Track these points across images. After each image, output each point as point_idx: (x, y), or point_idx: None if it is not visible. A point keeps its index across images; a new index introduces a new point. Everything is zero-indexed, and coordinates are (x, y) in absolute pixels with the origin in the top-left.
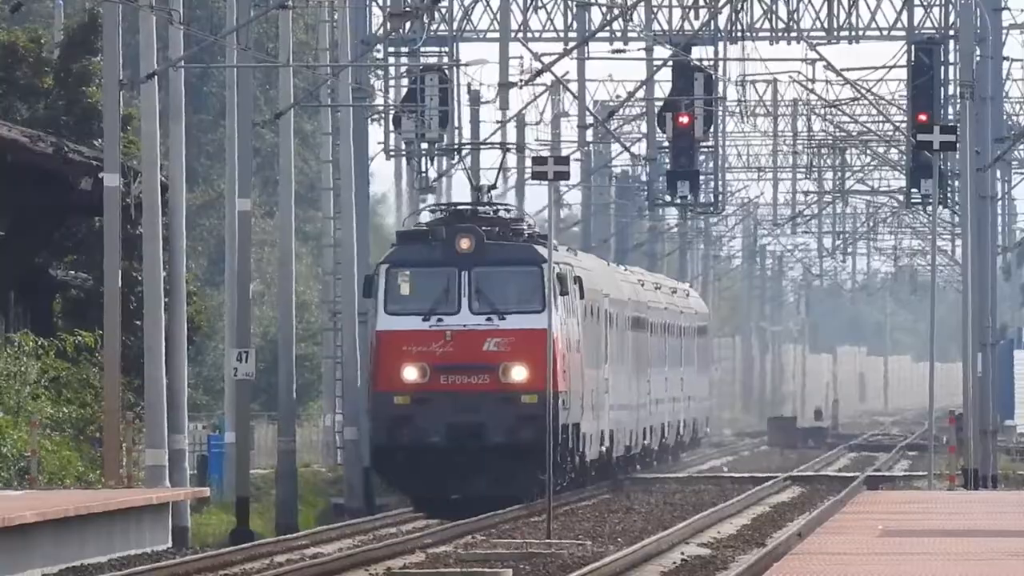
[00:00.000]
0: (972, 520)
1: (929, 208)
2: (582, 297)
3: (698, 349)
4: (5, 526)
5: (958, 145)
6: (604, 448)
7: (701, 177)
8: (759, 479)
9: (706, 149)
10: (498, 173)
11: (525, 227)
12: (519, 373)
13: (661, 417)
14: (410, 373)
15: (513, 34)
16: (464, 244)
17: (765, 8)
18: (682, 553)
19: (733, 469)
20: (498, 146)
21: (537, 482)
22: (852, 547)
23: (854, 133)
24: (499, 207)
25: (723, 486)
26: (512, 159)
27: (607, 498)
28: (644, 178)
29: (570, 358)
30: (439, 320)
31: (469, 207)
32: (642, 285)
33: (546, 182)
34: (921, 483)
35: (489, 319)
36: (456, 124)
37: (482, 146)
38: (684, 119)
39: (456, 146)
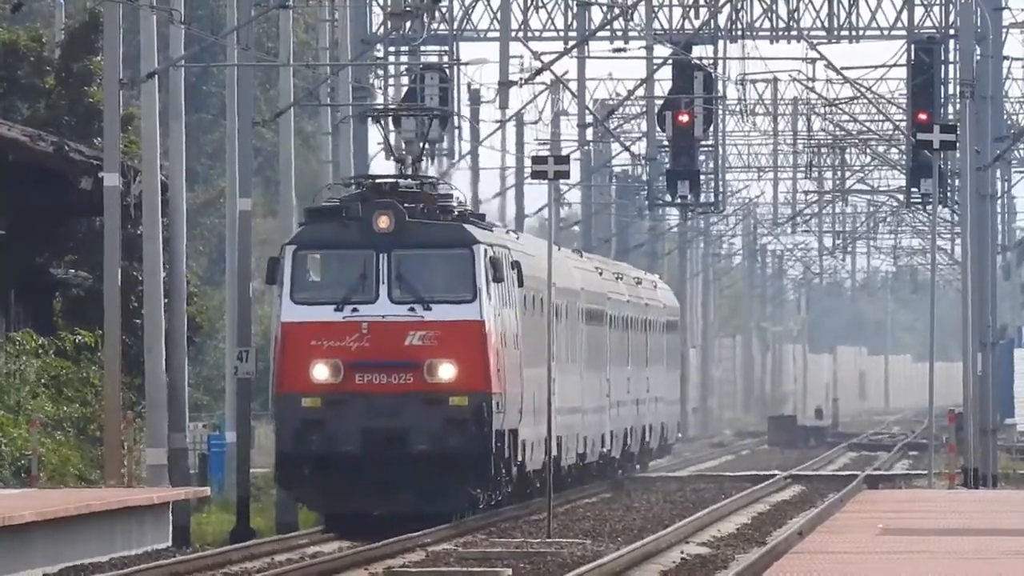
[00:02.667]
0: (972, 519)
1: (929, 207)
2: (521, 285)
3: (667, 346)
4: (5, 525)
5: (958, 144)
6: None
7: (701, 176)
8: (759, 478)
9: (706, 148)
10: (423, 141)
11: (455, 203)
12: (446, 371)
13: (623, 422)
14: (320, 372)
15: (513, 33)
16: (383, 222)
17: (765, 7)
18: (682, 552)
19: (731, 468)
20: (423, 112)
21: (468, 496)
22: (852, 546)
23: (854, 132)
24: (424, 180)
25: (723, 485)
26: (499, 157)
27: (607, 497)
28: (644, 177)
29: (506, 355)
30: (354, 310)
31: (389, 180)
32: (600, 273)
33: (546, 181)
34: (921, 482)
35: (412, 309)
36: (456, 123)
37: (405, 113)
38: (684, 118)
39: (376, 112)
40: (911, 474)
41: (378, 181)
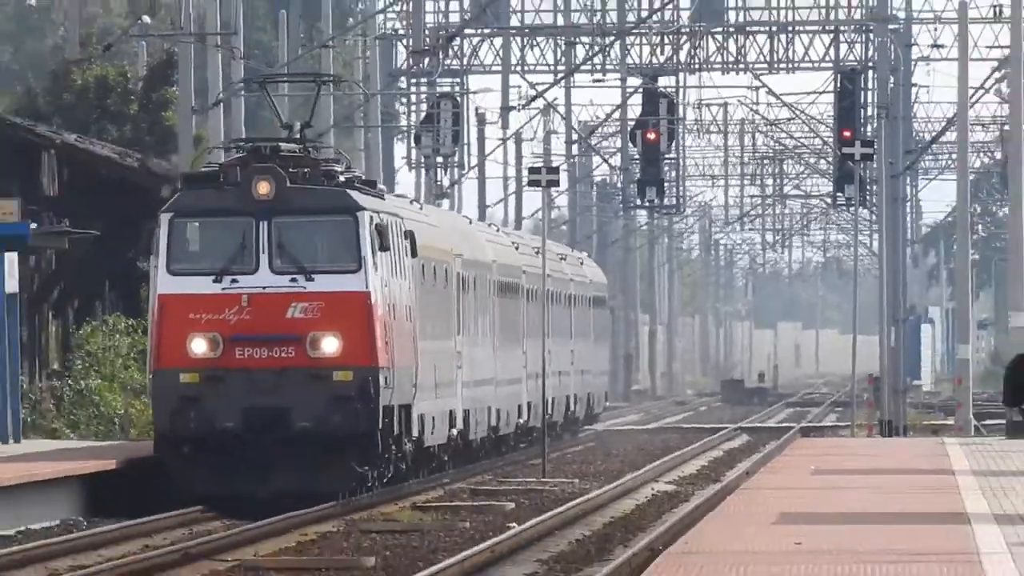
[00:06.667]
0: (887, 461)
1: (852, 208)
2: (414, 255)
3: (594, 320)
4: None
5: (875, 156)
6: (456, 431)
7: (665, 184)
8: (714, 430)
9: (669, 160)
10: (312, 109)
11: (340, 168)
12: (330, 345)
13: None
14: (198, 346)
15: (513, 67)
16: (262, 188)
17: (718, 44)
18: (653, 488)
19: (691, 422)
20: (312, 77)
21: (355, 475)
22: (790, 482)
23: (790, 147)
24: (308, 144)
25: (685, 435)
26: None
27: (591, 446)
28: (619, 185)
29: (396, 327)
30: (233, 281)
31: (270, 144)
32: (516, 248)
33: (540, 188)
34: (845, 432)
35: (294, 280)
36: (466, 141)
37: (292, 79)
38: (651, 136)
39: (264, 80)
40: (838, 426)
41: (258, 145)
